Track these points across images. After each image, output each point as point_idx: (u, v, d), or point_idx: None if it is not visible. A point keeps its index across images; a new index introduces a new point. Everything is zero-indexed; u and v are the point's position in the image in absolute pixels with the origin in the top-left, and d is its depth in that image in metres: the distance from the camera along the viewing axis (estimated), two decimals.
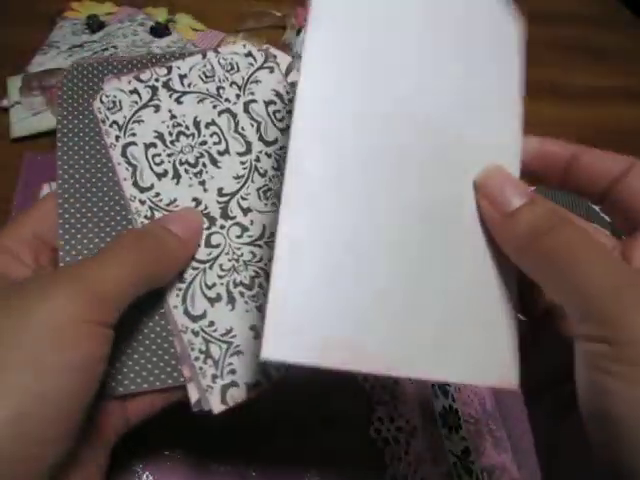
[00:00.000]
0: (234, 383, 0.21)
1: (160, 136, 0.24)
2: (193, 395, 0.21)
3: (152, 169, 0.24)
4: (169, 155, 0.24)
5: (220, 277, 0.22)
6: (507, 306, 0.19)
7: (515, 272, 0.19)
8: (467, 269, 0.18)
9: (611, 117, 0.56)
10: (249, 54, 0.27)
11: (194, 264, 0.23)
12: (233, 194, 0.24)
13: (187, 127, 0.25)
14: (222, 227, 0.23)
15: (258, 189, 0.24)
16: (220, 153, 0.24)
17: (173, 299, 0.22)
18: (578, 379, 0.16)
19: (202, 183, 0.24)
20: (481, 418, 0.33)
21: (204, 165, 0.24)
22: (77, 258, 0.22)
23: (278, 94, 0.26)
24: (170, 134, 0.24)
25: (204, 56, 0.26)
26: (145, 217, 0.23)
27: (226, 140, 0.25)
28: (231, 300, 0.22)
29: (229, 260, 0.23)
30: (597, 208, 0.44)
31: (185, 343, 0.21)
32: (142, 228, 0.22)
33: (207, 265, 0.23)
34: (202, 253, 0.23)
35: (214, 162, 0.24)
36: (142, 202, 0.23)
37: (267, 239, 0.23)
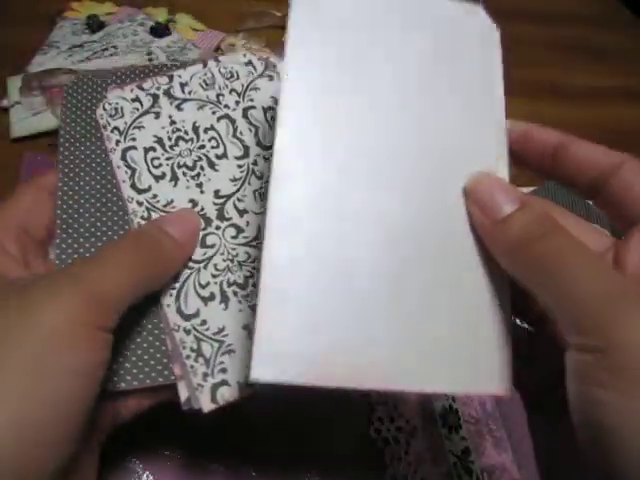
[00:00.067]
0: (225, 382, 0.21)
1: (159, 141, 0.25)
2: (183, 393, 0.21)
3: (150, 172, 0.24)
4: (168, 159, 0.25)
5: (214, 276, 0.23)
6: (500, 314, 0.18)
7: (507, 279, 0.19)
8: (459, 278, 0.18)
9: (611, 117, 0.56)
10: (249, 63, 0.27)
11: (189, 264, 0.23)
12: (229, 196, 0.24)
13: (186, 132, 0.25)
14: (218, 228, 0.23)
15: (255, 191, 0.24)
16: (218, 157, 0.25)
17: (166, 298, 0.22)
18: (569, 389, 0.16)
19: (199, 185, 0.24)
20: (481, 418, 0.33)
21: (202, 168, 0.24)
22: (73, 256, 0.22)
23: (277, 101, 0.26)
24: (169, 139, 0.25)
25: (205, 65, 0.27)
26: (142, 217, 0.23)
27: (224, 144, 0.25)
28: (224, 299, 0.22)
29: (224, 260, 0.23)
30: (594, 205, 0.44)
31: (177, 341, 0.21)
32: (140, 230, 0.22)
33: (202, 265, 0.23)
34: (197, 253, 0.23)
35: (212, 165, 0.25)
36: (139, 203, 0.24)
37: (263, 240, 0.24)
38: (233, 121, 0.26)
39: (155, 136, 0.25)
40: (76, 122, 0.25)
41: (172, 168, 0.24)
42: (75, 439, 0.17)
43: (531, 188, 0.45)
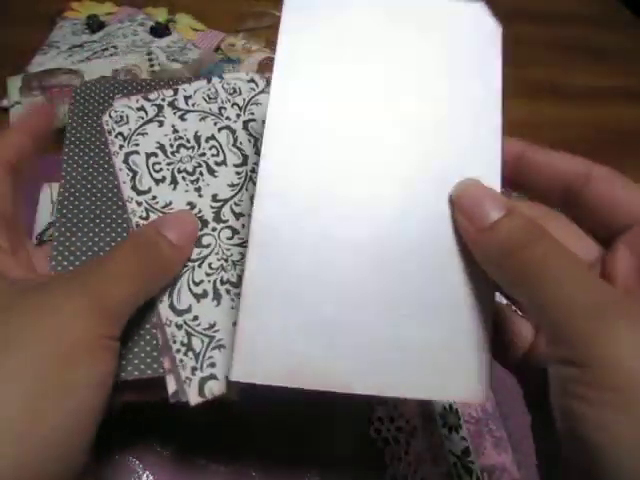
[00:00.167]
0: (213, 376, 0.21)
1: (161, 147, 0.26)
2: (171, 386, 0.21)
3: (151, 175, 0.25)
4: (169, 164, 0.25)
5: (208, 275, 0.23)
6: (482, 324, 0.18)
7: (493, 286, 0.18)
8: (443, 285, 0.18)
9: (611, 117, 0.56)
10: (251, 80, 0.29)
11: None
12: (227, 200, 0.25)
13: (188, 140, 0.26)
14: (214, 229, 0.24)
15: (252, 197, 0.25)
16: (217, 164, 0.26)
17: (160, 294, 0.22)
18: (552, 403, 0.15)
19: (198, 189, 0.25)
20: (481, 418, 0.33)
21: (201, 174, 0.25)
22: (70, 257, 0.22)
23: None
24: (171, 146, 0.26)
25: (209, 81, 0.28)
26: (140, 217, 0.24)
27: (224, 153, 0.26)
28: (217, 296, 0.23)
29: (218, 259, 0.23)
30: None
31: (168, 336, 0.22)
32: (139, 235, 0.22)
33: (196, 263, 0.23)
34: (192, 252, 0.23)
35: (211, 172, 0.25)
36: (139, 203, 0.24)
37: None
38: (234, 132, 0.27)
39: (158, 142, 0.26)
40: (82, 126, 0.26)
41: (172, 173, 0.25)
42: (88, 450, 0.17)
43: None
